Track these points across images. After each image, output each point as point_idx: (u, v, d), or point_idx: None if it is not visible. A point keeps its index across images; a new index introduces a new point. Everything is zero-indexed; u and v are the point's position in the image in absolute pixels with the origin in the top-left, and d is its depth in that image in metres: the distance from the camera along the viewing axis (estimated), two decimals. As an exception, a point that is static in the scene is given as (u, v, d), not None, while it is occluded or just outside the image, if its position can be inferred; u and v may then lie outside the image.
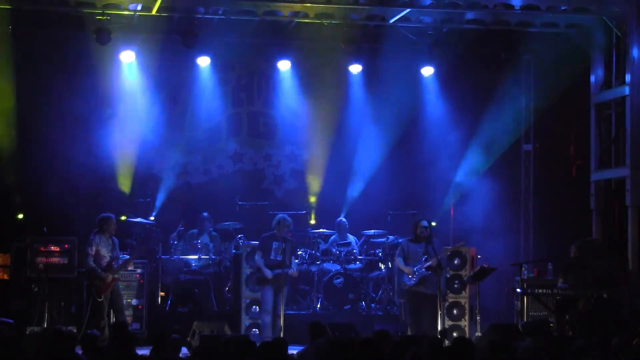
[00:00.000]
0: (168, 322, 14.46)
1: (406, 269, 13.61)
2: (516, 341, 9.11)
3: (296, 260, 15.18)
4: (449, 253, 14.45)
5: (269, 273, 13.54)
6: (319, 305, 15.52)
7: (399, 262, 13.80)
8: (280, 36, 16.35)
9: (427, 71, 17.02)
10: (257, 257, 13.78)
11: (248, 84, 17.81)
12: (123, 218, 15.43)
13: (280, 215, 14.06)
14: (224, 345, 8.78)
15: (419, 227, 13.62)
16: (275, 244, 13.69)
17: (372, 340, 8.31)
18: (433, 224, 16.37)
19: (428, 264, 13.43)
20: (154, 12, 14.86)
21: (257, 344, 8.77)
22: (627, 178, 14.89)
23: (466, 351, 7.99)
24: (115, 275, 13.61)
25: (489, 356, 8.27)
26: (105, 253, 13.59)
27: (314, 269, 15.74)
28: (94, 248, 13.54)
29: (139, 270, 14.60)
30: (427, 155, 17.32)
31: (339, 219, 16.58)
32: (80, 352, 8.90)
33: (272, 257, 13.65)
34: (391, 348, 8.73)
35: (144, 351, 9.44)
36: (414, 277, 13.53)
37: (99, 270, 13.45)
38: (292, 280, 15.19)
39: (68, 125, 16.11)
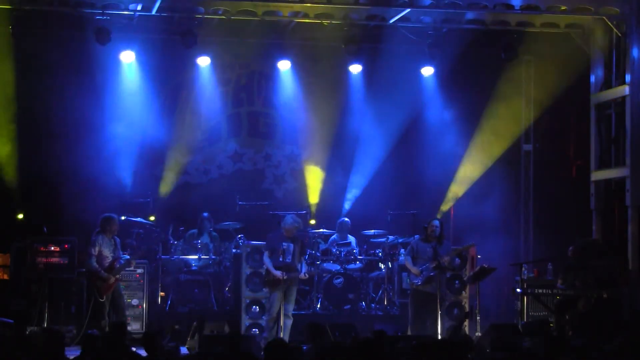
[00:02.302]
0: (168, 322, 14.47)
1: (413, 269, 13.55)
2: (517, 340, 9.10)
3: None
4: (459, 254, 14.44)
5: (278, 274, 13.30)
6: (319, 305, 15.50)
7: (407, 260, 13.72)
8: (280, 36, 16.35)
9: (427, 71, 17.02)
10: (265, 258, 13.53)
11: (248, 84, 17.81)
12: (123, 218, 15.42)
13: (289, 215, 13.85)
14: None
15: (431, 226, 13.57)
16: (284, 245, 13.46)
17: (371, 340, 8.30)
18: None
19: (435, 264, 13.38)
20: (154, 12, 14.85)
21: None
22: (627, 178, 14.89)
23: (463, 349, 7.98)
24: (117, 276, 13.60)
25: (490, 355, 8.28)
26: (108, 253, 13.58)
27: (313, 269, 15.72)
28: (97, 249, 13.51)
29: (139, 270, 14.59)
30: (427, 155, 17.32)
31: (342, 219, 16.57)
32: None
33: (280, 259, 13.39)
34: (389, 347, 8.73)
35: (143, 351, 9.44)
36: (420, 277, 13.49)
37: (102, 271, 13.43)
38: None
39: (68, 125, 16.10)
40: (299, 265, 13.55)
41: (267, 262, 13.48)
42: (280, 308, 13.39)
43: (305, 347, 9.08)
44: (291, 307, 13.51)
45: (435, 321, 13.32)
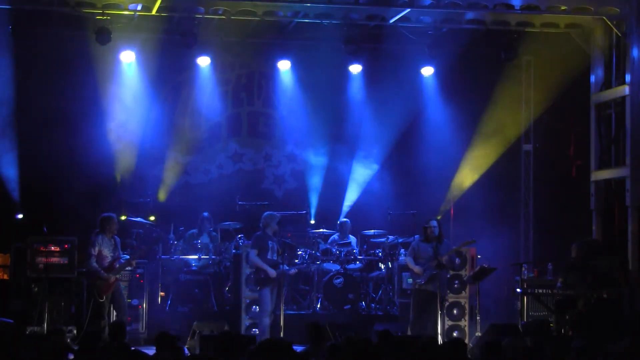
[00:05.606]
0: (168, 322, 14.46)
1: (416, 269, 13.55)
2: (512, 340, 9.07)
3: (296, 260, 15.22)
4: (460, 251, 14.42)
5: (272, 272, 13.37)
6: (319, 305, 15.50)
7: (409, 261, 13.70)
8: (280, 36, 16.37)
9: (427, 71, 17.03)
10: (253, 255, 13.53)
11: (248, 84, 17.82)
12: (123, 218, 15.43)
13: (267, 212, 13.84)
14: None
15: (429, 227, 13.60)
16: (270, 244, 13.52)
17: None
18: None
19: (435, 263, 13.38)
20: (154, 12, 14.85)
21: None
22: (627, 178, 14.89)
23: (460, 351, 7.96)
24: (117, 276, 13.60)
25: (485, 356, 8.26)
26: (107, 253, 13.57)
27: (314, 269, 15.73)
28: (96, 249, 13.49)
29: (139, 270, 14.60)
30: (427, 154, 17.31)
31: (343, 219, 16.57)
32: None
33: (269, 257, 13.48)
34: (391, 348, 8.71)
35: (144, 351, 9.42)
36: (423, 276, 13.48)
37: (101, 271, 13.42)
38: (292, 280, 15.20)
39: (68, 125, 16.11)
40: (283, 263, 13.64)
41: (257, 260, 13.48)
42: (274, 304, 13.44)
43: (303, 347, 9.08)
44: (281, 305, 13.52)
45: (436, 321, 13.31)
